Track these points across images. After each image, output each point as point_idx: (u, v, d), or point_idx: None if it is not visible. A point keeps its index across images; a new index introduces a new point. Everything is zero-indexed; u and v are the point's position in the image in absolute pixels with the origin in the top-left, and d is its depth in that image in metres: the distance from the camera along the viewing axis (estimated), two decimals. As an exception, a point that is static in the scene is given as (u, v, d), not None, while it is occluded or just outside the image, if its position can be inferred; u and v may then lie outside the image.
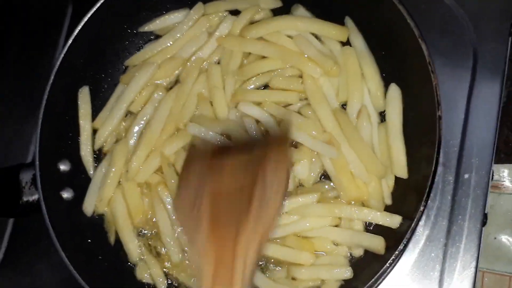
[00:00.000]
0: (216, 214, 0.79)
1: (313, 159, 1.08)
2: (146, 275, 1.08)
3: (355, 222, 1.05)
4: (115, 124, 1.12)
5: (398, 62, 1.04)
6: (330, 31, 1.09)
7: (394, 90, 1.05)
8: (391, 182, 1.05)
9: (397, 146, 1.03)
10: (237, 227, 0.76)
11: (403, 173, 1.02)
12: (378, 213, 1.01)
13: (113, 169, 1.08)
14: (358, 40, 1.08)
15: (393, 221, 1.00)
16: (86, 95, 1.12)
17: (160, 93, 1.12)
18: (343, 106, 1.09)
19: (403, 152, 1.03)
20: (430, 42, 0.97)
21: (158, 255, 1.10)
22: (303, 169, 1.07)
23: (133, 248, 1.08)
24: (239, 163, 0.84)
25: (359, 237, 1.03)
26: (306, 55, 1.08)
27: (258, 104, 1.09)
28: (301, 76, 1.10)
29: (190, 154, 0.95)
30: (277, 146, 0.87)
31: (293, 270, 1.03)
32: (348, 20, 1.09)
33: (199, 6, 1.14)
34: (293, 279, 1.04)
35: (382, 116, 1.08)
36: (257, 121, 1.08)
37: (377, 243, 1.00)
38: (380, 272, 0.93)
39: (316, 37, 1.11)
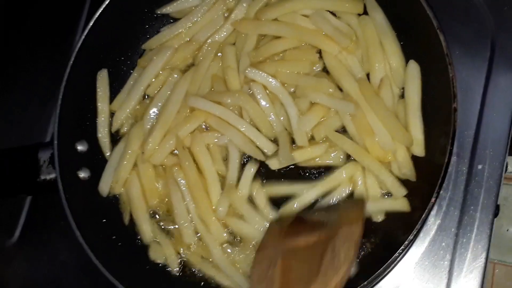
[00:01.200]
0: (288, 272, 0.89)
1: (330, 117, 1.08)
2: (159, 255, 1.09)
3: (371, 189, 1.05)
4: (132, 107, 1.13)
5: (415, 52, 1.04)
6: (344, 5, 1.08)
7: (413, 67, 1.04)
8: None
9: (415, 123, 1.02)
10: (306, 283, 0.85)
11: (420, 151, 1.01)
12: (391, 178, 1.02)
13: (129, 151, 1.09)
14: (378, 14, 1.07)
15: (398, 191, 1.01)
16: (104, 78, 1.13)
17: (176, 76, 1.12)
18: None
19: (420, 130, 1.02)
20: (448, 31, 0.97)
21: (171, 236, 1.11)
22: (310, 121, 1.07)
23: (147, 229, 1.09)
24: (312, 237, 0.93)
25: (381, 202, 1.03)
26: (323, 33, 1.08)
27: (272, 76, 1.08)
28: (317, 51, 1.10)
29: (268, 231, 1.04)
30: (350, 222, 0.93)
31: None
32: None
33: None
34: None
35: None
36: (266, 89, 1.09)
37: (401, 204, 1.01)
38: (390, 260, 0.93)
39: (333, 14, 1.10)
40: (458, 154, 1.08)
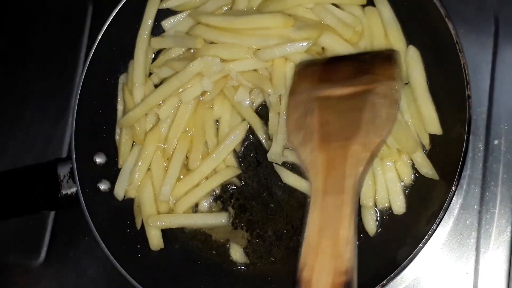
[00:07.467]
0: (327, 125, 0.82)
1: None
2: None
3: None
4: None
5: (424, 42, 1.03)
6: None
7: (413, 51, 1.03)
8: (426, 141, 1.03)
9: (425, 103, 1.01)
10: (347, 139, 0.79)
11: (436, 129, 1.00)
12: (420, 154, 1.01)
13: (144, 154, 1.08)
14: (384, 7, 1.06)
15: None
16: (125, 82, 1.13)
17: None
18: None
19: (432, 108, 1.00)
20: (450, 10, 0.96)
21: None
22: None
23: (155, 235, 1.08)
24: (347, 88, 0.87)
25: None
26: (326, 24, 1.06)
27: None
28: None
29: (299, 70, 0.97)
30: (387, 78, 0.89)
31: None
32: None
33: None
34: None
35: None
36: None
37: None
38: (414, 252, 0.92)
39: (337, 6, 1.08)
40: (473, 132, 1.08)
